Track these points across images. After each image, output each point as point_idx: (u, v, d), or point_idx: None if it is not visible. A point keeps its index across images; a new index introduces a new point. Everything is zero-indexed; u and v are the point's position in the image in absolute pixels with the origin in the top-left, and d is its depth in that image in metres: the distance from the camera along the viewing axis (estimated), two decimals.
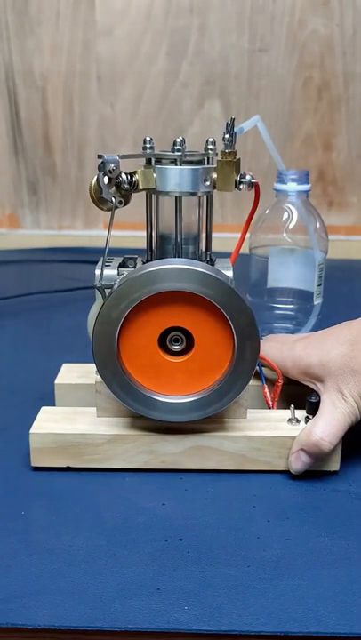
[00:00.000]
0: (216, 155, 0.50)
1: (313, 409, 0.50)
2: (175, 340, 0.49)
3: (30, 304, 0.90)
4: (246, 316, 0.47)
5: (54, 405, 0.57)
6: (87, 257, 1.00)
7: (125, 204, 0.49)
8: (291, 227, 0.73)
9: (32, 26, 1.16)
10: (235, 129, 0.50)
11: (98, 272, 0.50)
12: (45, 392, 0.59)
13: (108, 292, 0.48)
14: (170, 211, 0.50)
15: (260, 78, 1.18)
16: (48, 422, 0.52)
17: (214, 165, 0.50)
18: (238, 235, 0.55)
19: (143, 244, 0.53)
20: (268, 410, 0.55)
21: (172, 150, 0.49)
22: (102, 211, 0.49)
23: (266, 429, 0.51)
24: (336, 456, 0.50)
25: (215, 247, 0.54)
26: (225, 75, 1.17)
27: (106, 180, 0.47)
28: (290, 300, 0.76)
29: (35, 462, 0.51)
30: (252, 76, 1.17)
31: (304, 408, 0.52)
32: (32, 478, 0.50)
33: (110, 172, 0.47)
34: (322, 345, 0.52)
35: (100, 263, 0.51)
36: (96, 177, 0.48)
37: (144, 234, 0.52)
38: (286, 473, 0.50)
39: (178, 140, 0.48)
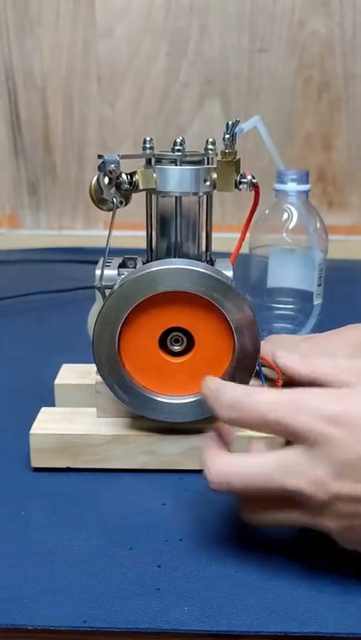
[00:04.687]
0: (216, 155, 0.50)
1: None
2: (175, 341, 0.49)
3: (30, 304, 0.90)
4: (246, 316, 0.47)
5: (54, 406, 0.57)
6: (87, 257, 0.99)
7: (125, 204, 0.49)
8: (291, 227, 0.73)
9: (32, 26, 1.16)
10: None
11: (98, 272, 0.50)
12: (45, 392, 0.59)
13: (108, 292, 0.48)
14: (170, 211, 0.50)
15: (260, 78, 1.17)
16: (48, 423, 0.52)
17: (214, 165, 0.50)
18: (238, 235, 0.55)
19: (143, 244, 0.53)
20: None
21: (172, 150, 0.49)
22: (102, 211, 0.49)
23: None
24: None
25: (215, 247, 0.54)
26: (225, 75, 1.17)
27: (106, 180, 0.47)
28: (290, 300, 0.76)
29: (35, 463, 0.51)
30: (252, 76, 1.17)
31: None
32: (32, 478, 0.50)
33: (110, 172, 0.47)
34: (328, 346, 0.52)
35: (101, 263, 0.51)
36: (96, 177, 0.48)
37: (144, 234, 0.52)
38: None
39: (178, 140, 0.48)
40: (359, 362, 0.41)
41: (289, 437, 0.38)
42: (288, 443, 0.39)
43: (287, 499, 0.37)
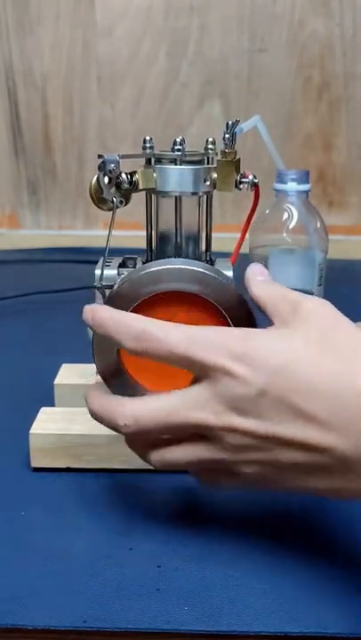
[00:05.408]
0: (216, 154, 0.50)
1: None
2: None
3: (30, 304, 0.90)
4: (246, 316, 0.47)
5: (54, 406, 0.57)
6: (87, 257, 0.99)
7: (125, 204, 0.49)
8: (291, 227, 0.73)
9: (32, 26, 1.16)
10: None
11: (98, 272, 0.50)
12: (45, 392, 0.59)
13: (108, 292, 0.48)
14: (170, 210, 0.50)
15: (260, 78, 1.17)
16: (48, 423, 0.52)
17: (214, 165, 0.50)
18: (238, 235, 0.55)
19: (143, 244, 0.53)
20: None
21: (172, 150, 0.49)
22: (102, 211, 0.49)
23: None
24: None
25: (215, 247, 0.54)
26: (225, 75, 1.17)
27: (106, 180, 0.47)
28: None
29: (35, 463, 0.51)
30: (252, 76, 1.17)
31: None
32: (32, 478, 0.50)
33: (110, 171, 0.47)
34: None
35: (101, 263, 0.51)
36: (96, 177, 0.48)
37: (144, 234, 0.52)
38: None
39: (178, 140, 0.48)
40: (320, 306, 0.41)
41: (194, 371, 0.39)
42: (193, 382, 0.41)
43: (193, 435, 0.39)
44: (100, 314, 0.41)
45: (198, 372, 0.39)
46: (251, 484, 0.40)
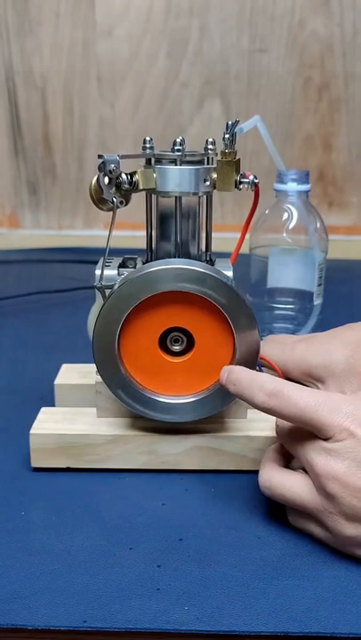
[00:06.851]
0: (216, 155, 0.50)
1: None
2: (175, 341, 0.49)
3: (30, 304, 0.90)
4: (246, 316, 0.47)
5: (54, 406, 0.57)
6: (87, 257, 1.00)
7: (125, 204, 0.49)
8: (291, 227, 0.73)
9: (32, 26, 1.16)
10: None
11: (98, 272, 0.50)
12: (45, 392, 0.59)
13: (108, 292, 0.48)
14: (170, 211, 0.50)
15: (260, 78, 1.17)
16: (48, 423, 0.52)
17: (214, 165, 0.50)
18: (238, 235, 0.55)
19: (143, 244, 0.53)
20: None
21: (172, 150, 0.49)
22: (102, 211, 0.50)
23: (266, 429, 0.51)
24: None
25: (215, 247, 0.54)
26: (225, 75, 1.17)
27: (106, 180, 0.47)
28: (290, 300, 0.76)
29: (35, 463, 0.51)
30: (252, 75, 1.17)
31: None
32: (32, 478, 0.50)
33: (110, 172, 0.47)
34: (325, 346, 0.52)
35: (101, 263, 0.51)
36: (96, 177, 0.48)
37: (144, 234, 0.52)
38: None
39: (178, 140, 0.48)
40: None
41: (316, 431, 0.41)
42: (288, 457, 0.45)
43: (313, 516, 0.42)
44: (235, 373, 0.45)
45: (321, 432, 0.40)
46: (348, 546, 0.41)
